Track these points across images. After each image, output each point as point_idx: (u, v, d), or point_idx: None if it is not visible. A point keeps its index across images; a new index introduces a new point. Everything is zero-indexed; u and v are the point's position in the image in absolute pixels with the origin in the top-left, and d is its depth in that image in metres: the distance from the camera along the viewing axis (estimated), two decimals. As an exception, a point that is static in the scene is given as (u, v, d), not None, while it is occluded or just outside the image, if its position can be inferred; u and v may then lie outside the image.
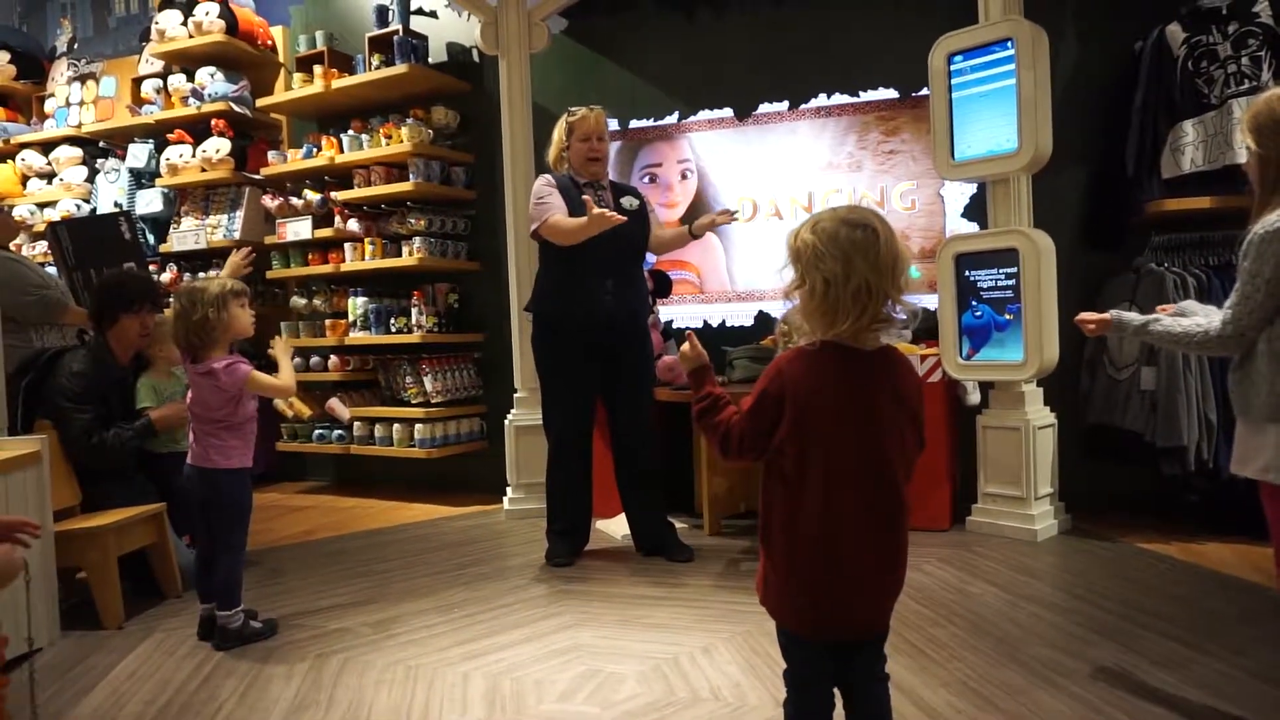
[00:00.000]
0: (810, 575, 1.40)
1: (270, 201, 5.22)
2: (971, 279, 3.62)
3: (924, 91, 3.90)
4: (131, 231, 4.34)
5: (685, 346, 1.62)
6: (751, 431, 1.44)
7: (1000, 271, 3.53)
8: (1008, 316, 3.52)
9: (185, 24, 5.38)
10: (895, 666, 2.22)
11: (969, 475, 3.78)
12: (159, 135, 5.65)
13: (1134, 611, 2.63)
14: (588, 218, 3.07)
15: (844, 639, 1.44)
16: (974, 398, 3.86)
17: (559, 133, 3.43)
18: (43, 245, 5.81)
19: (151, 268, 5.14)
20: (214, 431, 2.59)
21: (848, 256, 1.34)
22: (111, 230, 4.31)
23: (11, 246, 4.00)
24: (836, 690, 1.49)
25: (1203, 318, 2.06)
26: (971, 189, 4.08)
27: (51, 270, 4.23)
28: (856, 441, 1.38)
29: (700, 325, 4.60)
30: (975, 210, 4.06)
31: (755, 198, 4.51)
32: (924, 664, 2.28)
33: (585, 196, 3.21)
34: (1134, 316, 2.16)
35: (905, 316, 1.41)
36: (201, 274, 5.29)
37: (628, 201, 3.42)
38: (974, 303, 3.62)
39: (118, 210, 5.44)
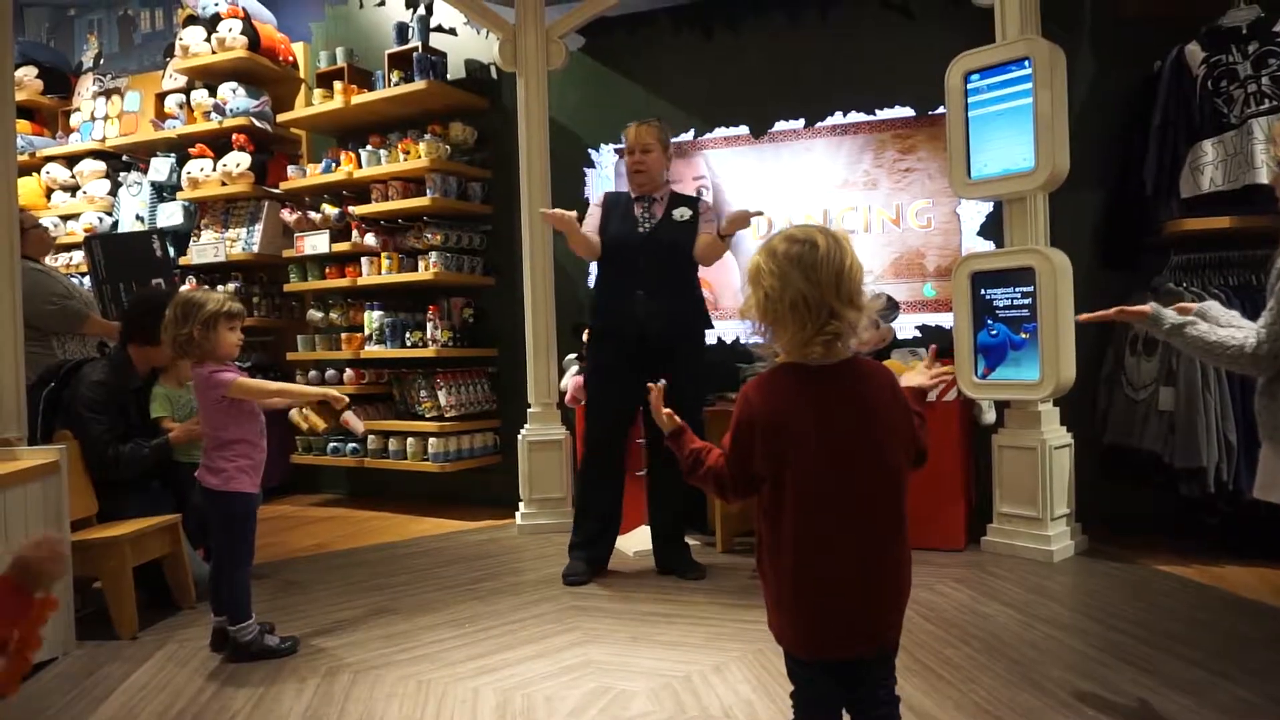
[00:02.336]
0: (800, 599, 1.39)
1: (289, 215, 5.27)
2: (987, 297, 3.61)
3: (940, 110, 3.90)
4: (163, 250, 4.43)
5: (659, 412, 1.60)
6: (737, 465, 1.45)
7: (1016, 290, 3.51)
8: (1024, 335, 3.50)
9: (208, 40, 5.46)
10: (908, 688, 2.20)
11: (984, 495, 3.75)
12: (181, 149, 5.73)
13: (1153, 634, 2.59)
14: (560, 230, 3.27)
15: (844, 658, 1.42)
16: (989, 417, 3.83)
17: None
18: (66, 257, 5.90)
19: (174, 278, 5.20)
20: (211, 448, 2.59)
21: (784, 271, 1.36)
22: (144, 247, 4.39)
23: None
24: (846, 713, 1.48)
25: (1237, 329, 2.02)
26: (988, 207, 4.07)
27: (76, 281, 4.29)
28: (827, 460, 1.37)
29: (714, 342, 4.59)
30: (991, 228, 4.05)
31: (771, 215, 4.51)
32: (937, 685, 2.25)
33: (542, 210, 3.40)
34: (1171, 314, 2.12)
35: (868, 326, 1.42)
36: (221, 287, 5.34)
37: (679, 213, 3.43)
38: (990, 321, 3.60)
39: (151, 229, 5.51)
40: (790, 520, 1.38)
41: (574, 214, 3.33)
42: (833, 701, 1.45)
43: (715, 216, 3.48)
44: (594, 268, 3.63)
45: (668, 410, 1.60)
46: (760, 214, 3.65)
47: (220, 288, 5.32)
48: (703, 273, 4.77)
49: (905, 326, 4.21)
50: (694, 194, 3.94)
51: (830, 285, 1.35)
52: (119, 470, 3.10)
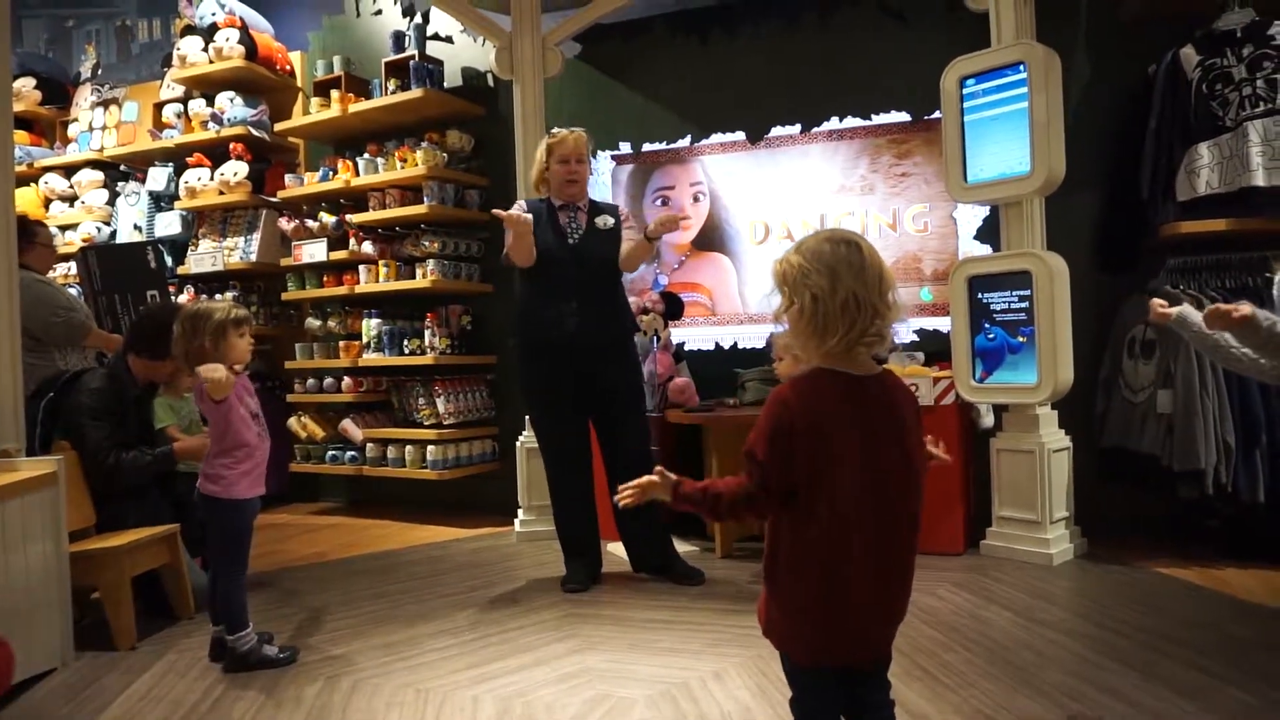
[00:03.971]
0: (820, 606, 1.38)
1: (286, 224, 5.27)
2: (985, 301, 3.61)
3: (936, 114, 3.91)
4: (158, 261, 4.43)
5: (653, 479, 1.50)
6: (776, 474, 1.37)
7: (1014, 294, 3.52)
8: (1021, 339, 3.50)
9: (206, 50, 5.47)
10: (908, 693, 2.20)
11: (983, 499, 3.74)
12: (179, 159, 5.73)
13: (1154, 638, 2.59)
14: (507, 228, 3.13)
15: (853, 666, 1.43)
16: (988, 420, 3.83)
17: (540, 154, 3.44)
18: (64, 267, 5.89)
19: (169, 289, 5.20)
20: (212, 455, 2.59)
21: (833, 270, 1.36)
22: (139, 259, 4.39)
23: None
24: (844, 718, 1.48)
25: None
26: (984, 211, 4.07)
27: (74, 292, 4.30)
28: (861, 469, 1.36)
29: (712, 347, 4.60)
30: (988, 233, 4.05)
31: (767, 220, 4.52)
32: (938, 690, 2.25)
33: (495, 210, 3.23)
34: (1201, 321, 2.12)
35: (898, 334, 1.42)
36: (219, 296, 5.35)
37: (602, 221, 3.40)
38: (987, 325, 3.60)
39: (146, 240, 5.52)
40: (823, 531, 1.36)
41: (525, 215, 3.21)
42: (833, 707, 1.45)
43: (633, 224, 3.46)
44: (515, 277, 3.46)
45: (650, 478, 1.50)
46: (688, 218, 3.58)
47: (219, 296, 5.33)
48: (700, 277, 4.75)
49: (902, 331, 4.21)
50: (611, 201, 3.76)
51: (875, 285, 1.37)
52: (119, 477, 3.09)
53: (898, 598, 1.43)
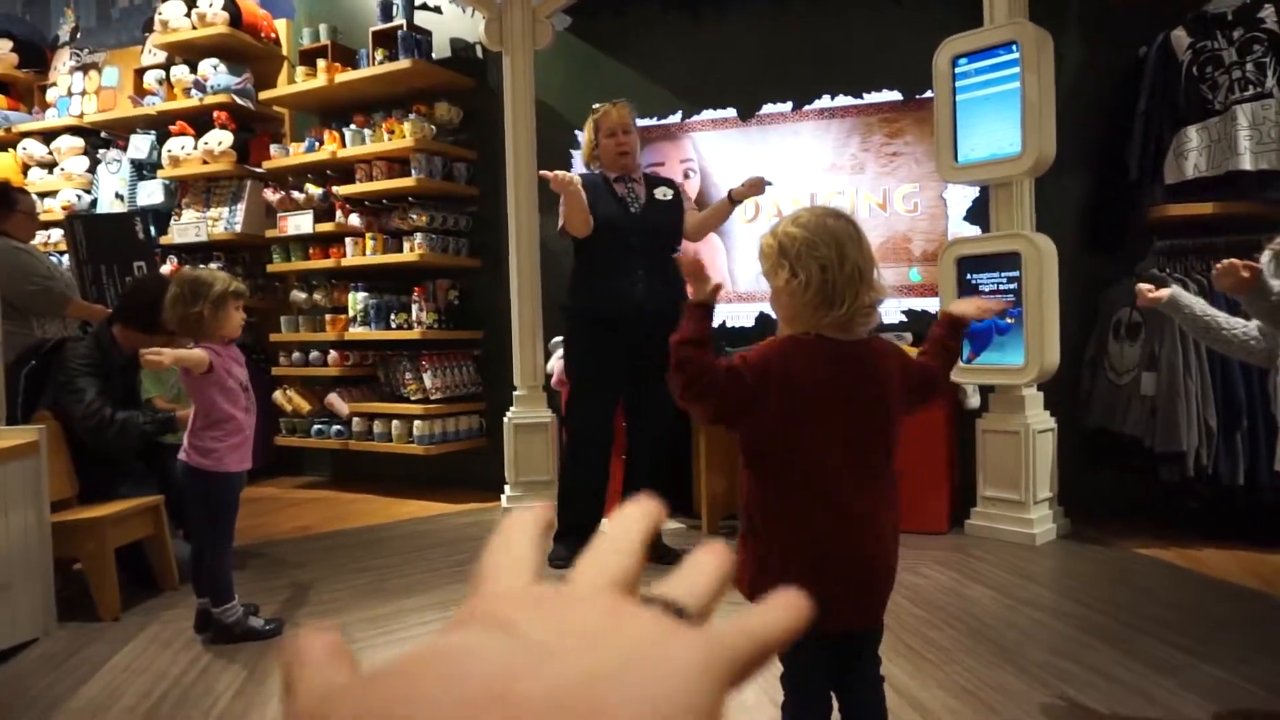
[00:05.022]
0: (809, 567, 1.38)
1: (272, 195, 5.21)
2: (973, 282, 3.62)
3: (928, 94, 3.89)
4: (145, 232, 4.36)
5: (694, 269, 1.46)
6: (737, 383, 1.38)
7: (1002, 275, 3.53)
8: (1009, 320, 3.52)
9: (189, 15, 5.37)
10: (892, 669, 2.22)
11: (968, 479, 3.77)
12: (161, 127, 5.64)
13: (1133, 617, 2.62)
14: (561, 192, 3.12)
15: (839, 631, 1.43)
16: (974, 401, 3.86)
17: (588, 131, 3.43)
18: (44, 235, 5.80)
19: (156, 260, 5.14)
20: (200, 427, 2.57)
21: (840, 242, 1.40)
22: (126, 229, 4.32)
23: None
24: (835, 696, 1.49)
25: (1239, 323, 2.05)
26: (974, 192, 4.07)
27: (56, 260, 4.23)
28: (846, 429, 1.40)
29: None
30: (978, 214, 4.05)
31: (757, 198, 4.50)
32: (921, 666, 2.27)
33: (541, 171, 3.23)
34: (1193, 301, 2.14)
35: (880, 305, 1.46)
36: (203, 266, 5.28)
37: (661, 192, 3.39)
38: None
39: (134, 211, 5.44)
40: (805, 484, 1.40)
41: (579, 178, 3.19)
42: (823, 681, 1.46)
43: (687, 195, 3.47)
44: (572, 251, 3.42)
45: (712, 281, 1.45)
46: (771, 184, 3.57)
47: (203, 267, 5.27)
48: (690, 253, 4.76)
49: (891, 311, 4.22)
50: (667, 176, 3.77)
51: (870, 260, 1.44)
52: (118, 437, 3.01)
53: (877, 558, 1.43)
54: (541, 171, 3.20)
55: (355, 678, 0.25)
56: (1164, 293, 2.16)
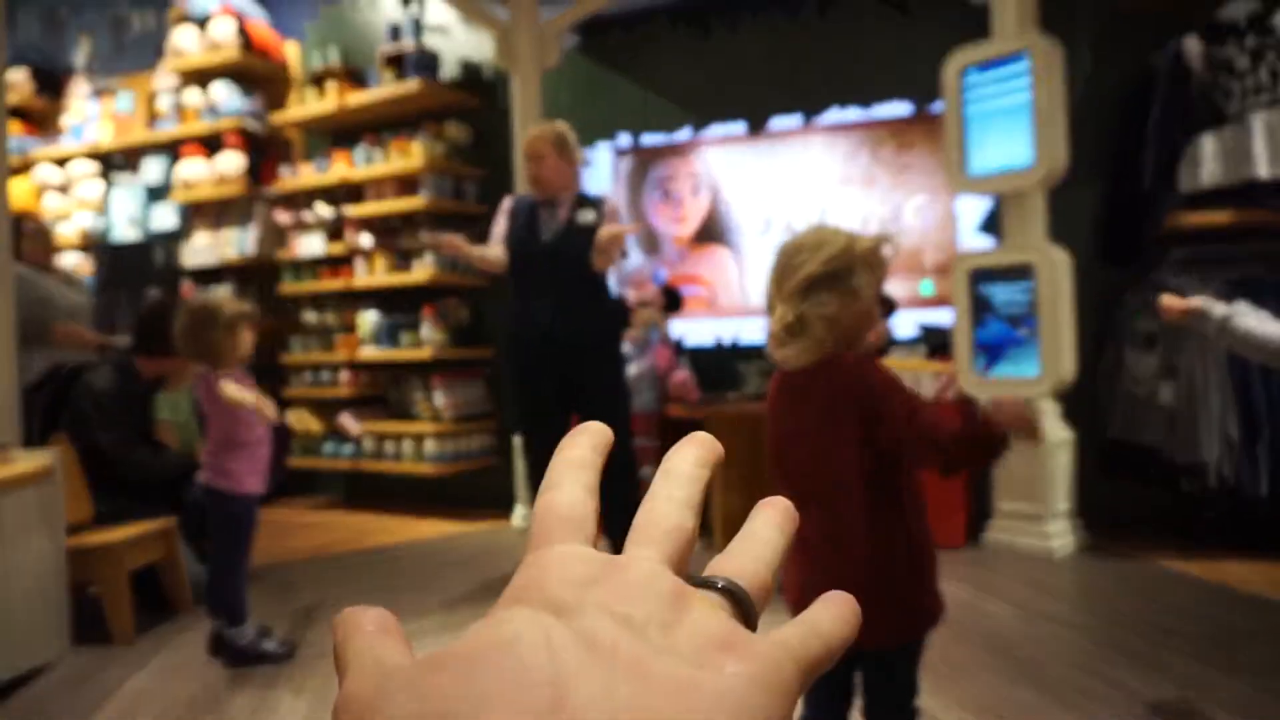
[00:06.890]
0: (792, 574, 1.47)
1: (283, 216, 5.24)
2: (986, 294, 3.59)
3: (938, 106, 3.88)
4: (165, 260, 4.40)
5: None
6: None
7: (1016, 287, 3.50)
8: (1023, 332, 3.49)
9: (201, 39, 5.43)
10: (913, 687, 2.19)
11: (985, 492, 3.74)
12: (173, 150, 5.69)
13: (1156, 631, 2.58)
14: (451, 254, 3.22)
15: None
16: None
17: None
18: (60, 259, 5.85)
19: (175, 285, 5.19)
20: (219, 450, 2.57)
21: (874, 267, 1.41)
22: (145, 257, 4.35)
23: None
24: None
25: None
26: (986, 204, 4.06)
27: (65, 288, 4.24)
28: (797, 460, 1.46)
29: (711, 340, 4.58)
30: (990, 225, 4.03)
31: (768, 213, 4.49)
32: (939, 684, 2.24)
33: (424, 236, 3.32)
34: (1220, 308, 2.07)
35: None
36: (214, 288, 5.31)
37: (583, 216, 3.25)
38: (989, 319, 3.59)
39: (151, 238, 5.49)
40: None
41: (458, 237, 3.20)
42: (828, 688, 1.45)
43: (621, 216, 3.35)
44: None
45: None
46: (635, 229, 3.48)
47: (212, 289, 5.30)
48: (700, 270, 4.72)
49: (904, 324, 4.20)
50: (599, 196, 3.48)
51: (775, 279, 1.44)
52: (145, 472, 3.11)
53: (822, 586, 1.40)
54: (424, 235, 3.27)
55: (410, 662, 0.24)
56: (1194, 302, 2.07)
